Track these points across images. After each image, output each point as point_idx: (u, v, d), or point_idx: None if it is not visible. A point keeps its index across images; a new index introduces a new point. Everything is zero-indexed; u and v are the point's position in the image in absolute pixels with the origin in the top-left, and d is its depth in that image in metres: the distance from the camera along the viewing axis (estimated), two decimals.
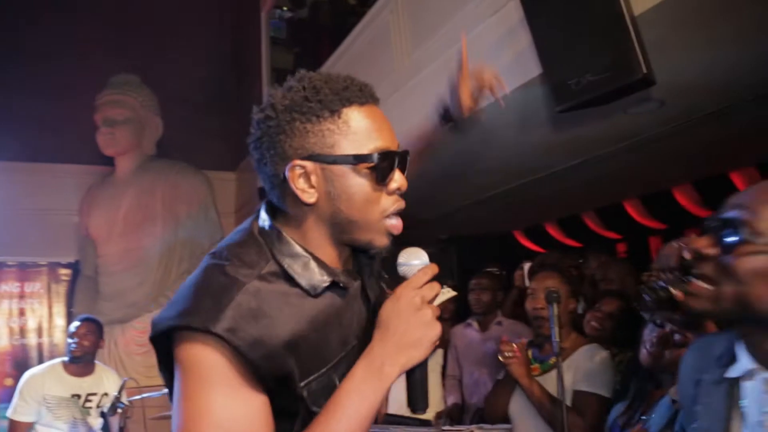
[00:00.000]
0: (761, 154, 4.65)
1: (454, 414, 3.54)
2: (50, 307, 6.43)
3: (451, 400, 3.62)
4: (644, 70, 2.19)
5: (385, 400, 4.01)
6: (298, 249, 1.00)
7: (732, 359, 1.05)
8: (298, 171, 0.97)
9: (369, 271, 1.12)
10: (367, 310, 1.10)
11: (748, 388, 1.02)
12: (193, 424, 0.89)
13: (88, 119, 6.45)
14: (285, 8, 7.13)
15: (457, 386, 3.68)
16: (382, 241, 1.02)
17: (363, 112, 0.99)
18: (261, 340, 0.91)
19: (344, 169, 0.97)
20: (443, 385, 3.72)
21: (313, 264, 0.99)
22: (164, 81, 6.91)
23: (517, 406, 2.63)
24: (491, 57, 3.14)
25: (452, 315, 4.17)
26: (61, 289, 6.52)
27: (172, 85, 7.01)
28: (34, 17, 6.34)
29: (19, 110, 5.91)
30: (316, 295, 0.98)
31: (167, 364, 0.97)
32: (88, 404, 3.58)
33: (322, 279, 0.99)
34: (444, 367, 3.83)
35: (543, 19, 2.53)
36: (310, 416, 0.97)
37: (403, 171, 1.03)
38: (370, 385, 0.95)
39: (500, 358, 2.57)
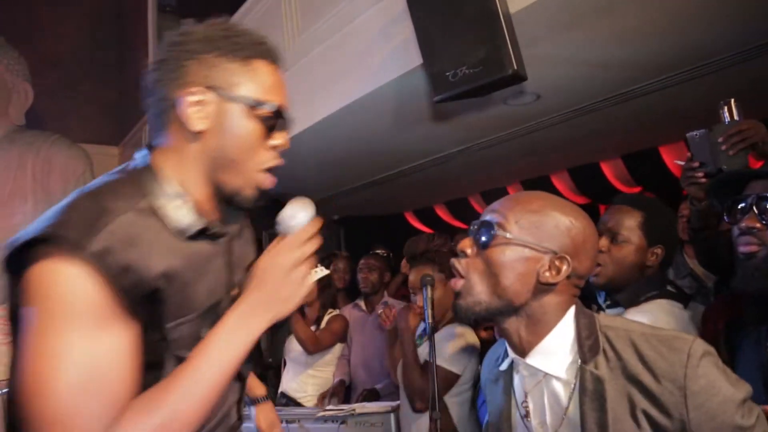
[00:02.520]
0: (625, 146, 5.04)
1: (338, 391, 3.59)
2: None
3: (337, 377, 3.68)
4: (514, 66, 2.30)
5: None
6: (174, 188, 1.00)
7: (506, 355, 1.21)
8: (195, 98, 0.99)
9: (238, 226, 1.16)
10: (231, 263, 1.11)
11: (516, 380, 1.20)
12: (47, 370, 0.84)
13: None
14: None
15: (345, 365, 3.75)
16: (250, 192, 1.06)
17: (270, 70, 1.05)
18: (132, 267, 0.89)
19: (240, 109, 1.01)
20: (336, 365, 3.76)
21: (187, 207, 1.00)
22: (38, 42, 6.36)
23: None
24: (377, 43, 3.17)
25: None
26: None
27: (44, 49, 6.47)
28: None
29: None
30: (187, 238, 0.99)
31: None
32: None
33: (193, 223, 1.00)
34: None
35: (424, 11, 2.58)
36: (177, 364, 0.97)
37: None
38: (238, 335, 0.97)
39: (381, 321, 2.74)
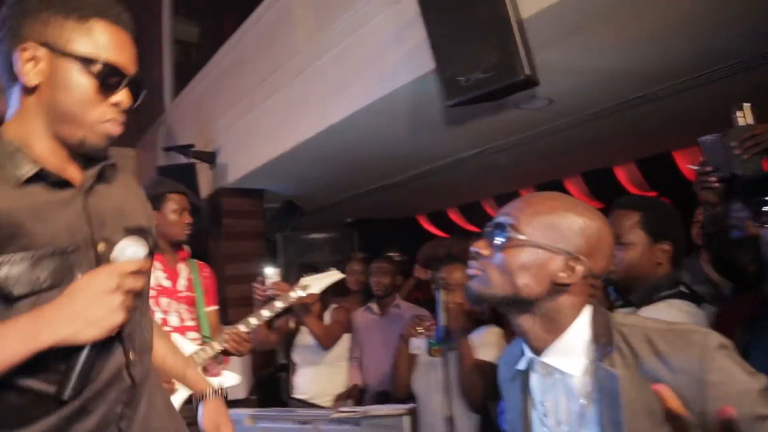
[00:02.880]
0: (639, 151, 5.02)
1: (353, 394, 3.61)
2: None
3: (351, 381, 3.69)
4: (526, 72, 2.31)
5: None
6: (7, 143, 1.04)
7: (522, 354, 1.21)
8: (29, 54, 1.03)
9: (105, 181, 1.16)
10: (89, 214, 1.10)
11: (533, 377, 1.20)
12: None
13: None
14: None
15: (358, 368, 3.76)
16: (97, 140, 1.08)
17: (109, 29, 1.07)
18: None
19: (71, 65, 1.04)
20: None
21: (20, 156, 1.03)
22: None
23: (422, 383, 2.81)
24: (390, 47, 3.19)
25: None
26: None
27: None
28: None
29: None
30: (16, 185, 1.01)
31: None
32: None
33: (25, 170, 1.02)
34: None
35: (436, 16, 2.59)
36: (6, 304, 0.97)
37: (135, 95, 1.12)
38: (21, 336, 0.94)
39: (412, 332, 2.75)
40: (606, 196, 5.49)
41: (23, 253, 0.98)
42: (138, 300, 1.10)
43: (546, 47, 2.68)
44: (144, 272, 1.07)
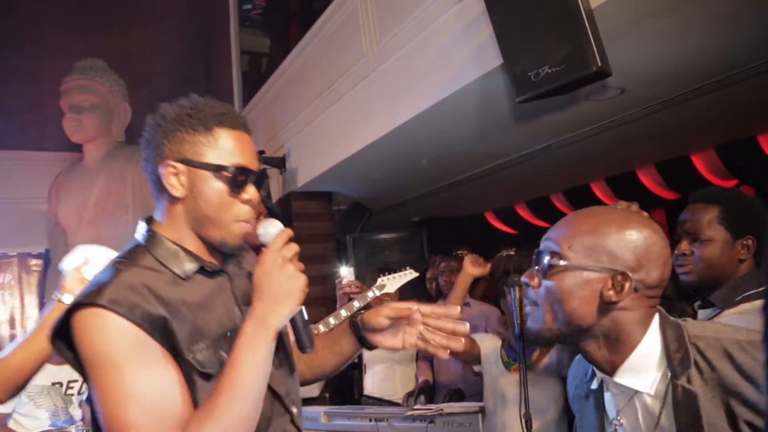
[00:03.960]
0: (719, 137, 4.79)
1: (424, 391, 3.64)
2: (22, 298, 6.36)
3: (422, 378, 3.72)
4: (598, 63, 2.26)
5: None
6: (170, 244, 1.20)
7: (594, 373, 1.18)
8: (171, 170, 1.19)
9: (237, 265, 1.33)
10: (236, 295, 1.26)
11: (606, 397, 1.17)
12: (120, 410, 1.04)
13: (54, 105, 6.32)
14: None
15: (428, 366, 3.79)
16: (234, 241, 1.23)
17: (232, 135, 1.21)
18: (139, 305, 1.08)
19: (206, 174, 1.18)
20: (417, 366, 3.82)
21: (182, 254, 1.20)
22: (130, 65, 6.79)
23: (492, 392, 2.79)
24: (455, 46, 3.20)
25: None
26: (33, 280, 6.44)
27: (139, 69, 6.89)
28: None
29: None
30: (186, 278, 1.18)
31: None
32: (69, 392, 3.58)
33: (190, 266, 1.19)
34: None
35: (503, 11, 2.57)
36: (208, 382, 1.12)
37: (259, 189, 1.24)
38: (259, 336, 1.11)
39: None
40: (683, 185, 5.29)
41: (205, 341, 1.14)
42: (284, 355, 1.29)
43: (617, 36, 2.62)
44: (293, 238, 1.19)
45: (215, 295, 1.21)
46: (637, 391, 1.08)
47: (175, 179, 1.18)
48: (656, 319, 1.09)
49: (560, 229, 1.15)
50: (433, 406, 3.16)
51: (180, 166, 1.18)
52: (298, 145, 5.10)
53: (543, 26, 2.44)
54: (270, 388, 1.19)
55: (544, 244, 1.15)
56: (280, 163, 5.26)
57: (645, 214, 1.38)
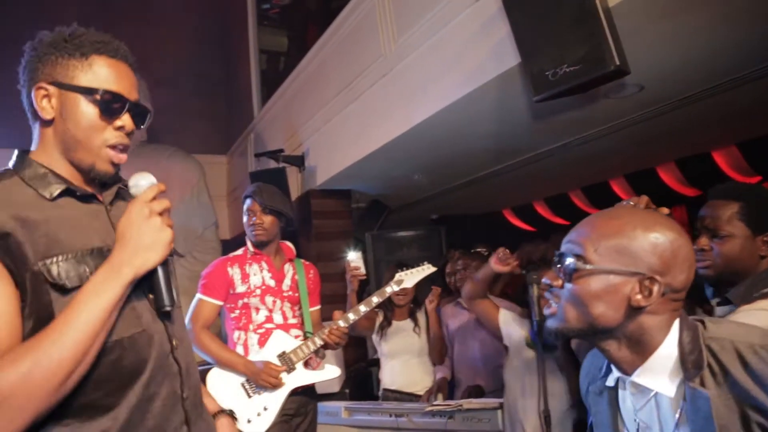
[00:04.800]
0: (741, 133, 4.75)
1: (443, 388, 3.68)
2: None
3: (440, 375, 3.75)
4: (616, 62, 2.27)
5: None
6: (38, 167, 1.22)
7: (609, 369, 1.18)
8: (42, 92, 1.21)
9: (112, 195, 1.33)
10: (113, 223, 1.26)
11: (621, 395, 1.17)
12: None
13: None
14: None
15: (447, 362, 3.82)
16: (104, 167, 1.24)
17: (108, 63, 1.23)
18: None
19: (77, 97, 1.20)
20: (432, 362, 3.85)
21: (51, 176, 1.21)
22: (150, 65, 6.88)
23: (513, 376, 2.84)
24: (473, 45, 3.21)
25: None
26: None
27: (158, 69, 6.99)
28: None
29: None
30: (52, 199, 1.19)
31: None
32: None
33: (57, 187, 1.20)
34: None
35: (520, 11, 2.59)
36: (65, 296, 1.11)
37: (137, 122, 1.26)
38: (107, 284, 1.10)
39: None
40: (704, 182, 5.24)
41: (68, 254, 1.14)
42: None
43: (635, 33, 2.62)
44: (163, 193, 1.21)
45: (85, 218, 1.22)
46: (655, 392, 1.08)
47: (46, 101, 1.21)
48: (677, 321, 1.09)
49: (584, 231, 1.13)
50: (452, 402, 3.19)
51: (51, 88, 1.20)
52: (317, 143, 5.15)
53: (561, 25, 2.45)
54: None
55: (566, 246, 1.14)
56: (299, 161, 5.31)
57: (665, 210, 1.39)
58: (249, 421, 2.66)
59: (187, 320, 2.71)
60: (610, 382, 1.18)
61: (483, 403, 3.09)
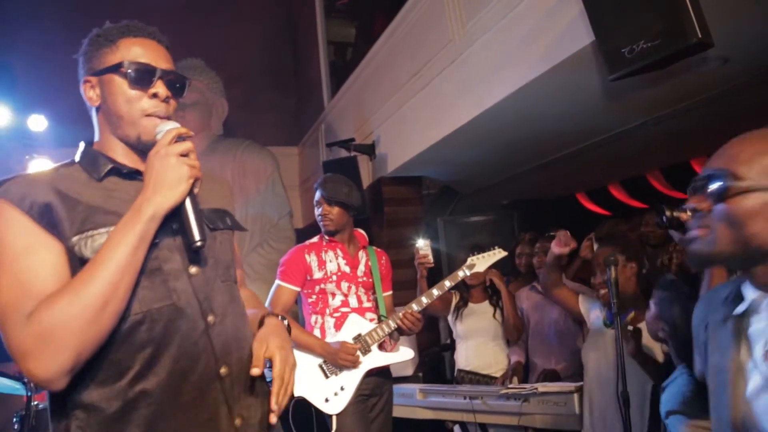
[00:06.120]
0: None
1: (518, 371, 3.67)
2: None
3: (514, 358, 3.74)
4: (698, 35, 2.17)
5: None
6: (93, 151, 1.32)
7: (738, 299, 1.14)
8: (88, 85, 1.32)
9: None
10: None
11: (753, 320, 1.12)
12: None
13: None
14: None
15: (522, 345, 3.80)
16: (148, 137, 1.28)
17: (134, 41, 1.30)
18: (29, 194, 1.17)
19: (111, 77, 1.28)
20: (508, 339, 3.85)
21: (100, 158, 1.29)
22: (223, 61, 7.12)
23: (593, 357, 2.83)
24: (543, 26, 3.15)
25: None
26: None
27: (231, 65, 7.22)
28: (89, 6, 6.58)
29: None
30: (100, 179, 1.26)
31: None
32: None
33: (104, 167, 1.28)
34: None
35: None
36: None
37: (173, 91, 1.31)
38: (128, 224, 1.15)
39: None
40: None
41: (101, 229, 1.19)
42: (213, 260, 1.31)
43: (717, 2, 2.49)
44: (186, 137, 1.24)
45: (129, 195, 1.23)
46: None
47: (91, 91, 1.31)
48: None
49: (733, 151, 1.10)
50: (527, 386, 3.19)
51: (93, 78, 1.30)
52: (387, 131, 5.20)
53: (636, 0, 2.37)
54: (172, 286, 1.21)
55: (714, 168, 1.11)
56: (369, 149, 5.38)
57: None
58: (327, 400, 2.75)
59: (266, 305, 2.83)
60: (739, 309, 1.14)
61: (559, 387, 3.07)
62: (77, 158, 1.32)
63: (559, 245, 2.89)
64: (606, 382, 2.67)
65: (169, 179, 1.18)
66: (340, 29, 7.26)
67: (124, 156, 1.31)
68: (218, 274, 1.32)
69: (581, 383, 2.94)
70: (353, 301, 2.93)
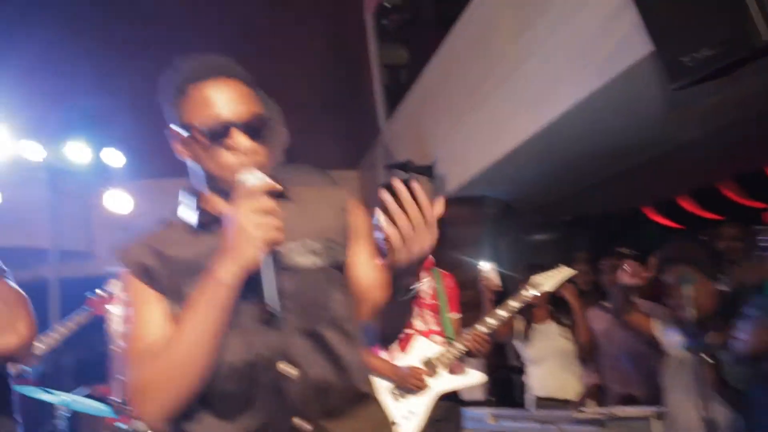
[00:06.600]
0: None
1: (594, 395, 3.55)
2: None
3: (590, 381, 3.63)
4: (765, 38, 2.09)
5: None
6: (187, 199, 1.30)
7: None
8: (174, 136, 1.26)
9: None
10: None
11: None
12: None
13: None
14: (388, 4, 7.28)
15: (595, 368, 3.69)
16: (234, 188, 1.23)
17: (204, 87, 1.20)
18: (138, 259, 1.23)
19: (191, 133, 1.21)
20: (581, 360, 3.74)
21: (194, 210, 1.27)
22: (279, 89, 7.32)
23: (673, 381, 2.71)
24: (598, 39, 3.11)
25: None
26: None
27: (287, 93, 7.41)
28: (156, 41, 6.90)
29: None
30: (198, 231, 1.25)
31: None
32: None
33: (196, 218, 1.26)
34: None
35: None
36: None
37: (254, 135, 1.21)
38: (202, 288, 1.13)
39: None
40: None
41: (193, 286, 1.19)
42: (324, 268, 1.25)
43: None
44: (272, 192, 1.15)
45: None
46: None
47: (176, 143, 1.26)
48: None
49: None
50: (603, 410, 3.09)
51: (173, 129, 1.25)
52: (445, 152, 5.21)
53: (696, 4, 2.30)
54: (248, 345, 1.18)
55: None
56: (428, 171, 5.39)
57: None
58: (395, 424, 2.75)
59: None
60: None
61: (638, 411, 2.96)
62: (179, 211, 1.31)
63: (629, 277, 2.79)
64: (690, 408, 2.53)
65: (242, 243, 1.10)
66: (393, 52, 7.36)
67: (219, 204, 1.26)
68: (307, 320, 1.24)
69: (660, 408, 2.82)
70: (419, 324, 2.92)
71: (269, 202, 1.13)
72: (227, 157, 1.19)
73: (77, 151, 5.52)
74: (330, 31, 8.33)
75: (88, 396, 3.25)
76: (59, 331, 3.50)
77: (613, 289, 3.26)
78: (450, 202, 5.33)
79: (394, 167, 5.61)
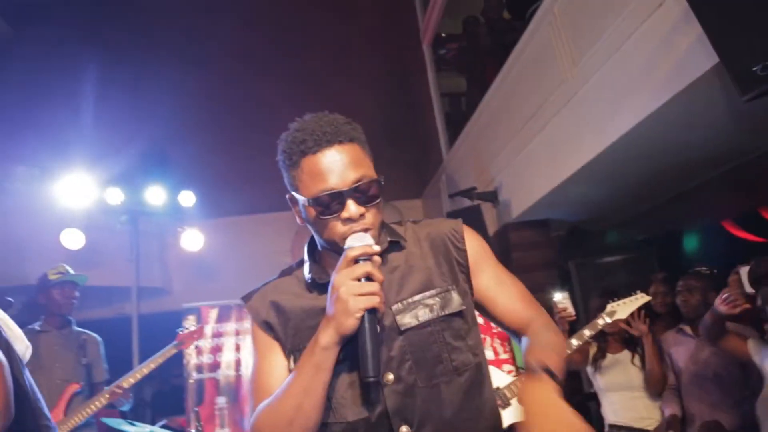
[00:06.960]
0: None
1: (674, 426, 3.37)
2: None
3: (669, 411, 3.45)
4: None
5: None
6: (306, 257, 1.37)
7: None
8: (291, 200, 1.33)
9: (389, 269, 1.36)
10: None
11: None
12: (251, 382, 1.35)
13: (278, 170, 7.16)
14: (444, 34, 7.36)
15: (675, 396, 3.50)
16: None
17: (314, 161, 1.23)
18: (259, 312, 1.34)
19: (302, 206, 1.28)
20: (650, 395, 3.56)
21: (311, 267, 1.34)
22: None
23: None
24: (659, 55, 3.03)
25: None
26: None
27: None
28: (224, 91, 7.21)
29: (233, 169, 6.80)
30: (312, 289, 1.33)
31: None
32: None
33: (312, 277, 1.32)
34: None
35: (712, 7, 2.39)
36: None
37: (366, 201, 1.24)
38: (308, 352, 1.20)
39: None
40: None
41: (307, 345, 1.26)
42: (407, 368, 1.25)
43: None
44: (371, 256, 1.18)
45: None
46: None
47: (294, 207, 1.33)
48: None
49: None
50: None
51: (291, 197, 1.32)
52: (509, 176, 5.17)
53: (763, 11, 2.22)
54: (363, 403, 1.23)
55: None
56: (492, 197, 5.37)
57: None
58: None
59: None
60: None
61: None
62: (305, 268, 1.37)
63: (728, 307, 2.65)
64: None
65: (339, 312, 1.14)
66: (452, 81, 7.42)
67: (332, 265, 1.28)
68: (420, 377, 1.25)
69: None
70: (489, 353, 2.88)
71: (369, 268, 1.16)
72: (337, 225, 1.23)
73: (154, 194, 5.84)
74: (390, 64, 8.50)
75: (165, 426, 3.37)
76: (149, 366, 3.65)
77: (708, 315, 3.02)
78: (516, 226, 5.31)
79: (459, 195, 5.61)
